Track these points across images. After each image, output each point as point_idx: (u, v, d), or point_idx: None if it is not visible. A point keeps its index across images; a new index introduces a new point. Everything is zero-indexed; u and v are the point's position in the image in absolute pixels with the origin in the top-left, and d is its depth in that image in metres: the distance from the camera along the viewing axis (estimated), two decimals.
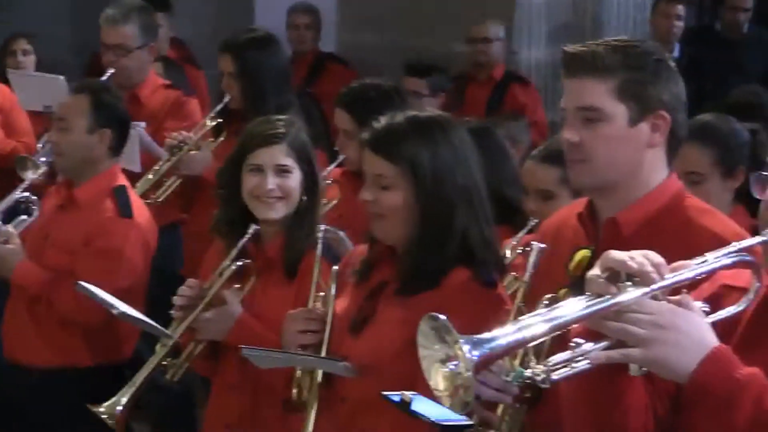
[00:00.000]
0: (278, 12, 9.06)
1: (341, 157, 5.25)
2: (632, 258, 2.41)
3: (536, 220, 4.25)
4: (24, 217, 5.37)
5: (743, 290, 2.53)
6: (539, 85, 8.90)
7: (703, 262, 2.48)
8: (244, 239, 4.23)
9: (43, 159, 5.86)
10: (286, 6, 9.20)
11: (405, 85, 6.90)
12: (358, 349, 3.66)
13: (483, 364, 2.29)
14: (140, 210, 5.15)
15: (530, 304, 3.20)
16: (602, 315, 2.39)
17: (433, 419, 3.09)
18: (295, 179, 4.26)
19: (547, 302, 3.06)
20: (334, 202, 5.13)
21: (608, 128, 3.16)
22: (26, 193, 5.53)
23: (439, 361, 2.34)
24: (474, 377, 2.27)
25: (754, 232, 2.54)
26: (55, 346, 5.07)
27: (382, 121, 3.72)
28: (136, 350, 5.17)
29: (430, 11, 9.47)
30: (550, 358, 2.41)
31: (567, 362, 2.40)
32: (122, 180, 5.23)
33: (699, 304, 2.45)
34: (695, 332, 2.39)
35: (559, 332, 2.39)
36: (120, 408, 4.23)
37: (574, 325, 2.42)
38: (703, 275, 2.49)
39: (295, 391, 3.85)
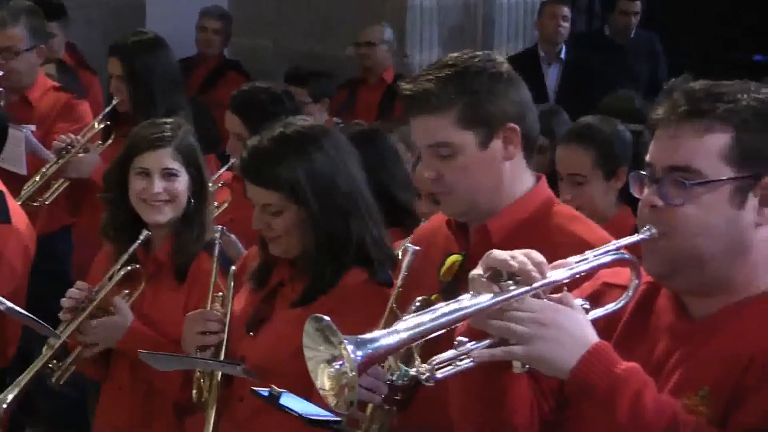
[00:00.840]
0: (169, 17, 9.02)
1: (232, 161, 5.24)
2: (514, 257, 2.44)
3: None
4: None
5: (623, 288, 2.57)
6: None
7: (583, 260, 2.51)
8: (135, 245, 4.21)
9: None
10: (177, 12, 9.18)
11: None
12: (256, 349, 3.68)
13: (367, 364, 2.30)
14: (18, 216, 5.07)
15: (403, 306, 3.23)
16: (485, 314, 2.42)
17: (300, 413, 3.12)
18: (182, 182, 4.25)
19: (418, 304, 3.10)
20: (225, 205, 5.13)
21: (462, 159, 3.16)
22: None
23: (324, 361, 2.35)
24: (358, 377, 2.28)
25: (636, 231, 2.58)
26: None
27: (249, 146, 3.71)
28: (23, 353, 5.10)
29: (322, 16, 9.49)
30: (435, 357, 2.42)
31: (451, 361, 2.42)
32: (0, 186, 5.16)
33: (580, 302, 2.49)
34: (576, 329, 2.42)
35: (443, 331, 2.40)
36: (4, 406, 4.17)
37: (458, 324, 2.44)
38: (584, 273, 2.52)
39: (194, 392, 3.86)
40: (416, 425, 3.20)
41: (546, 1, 9.21)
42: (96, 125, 5.96)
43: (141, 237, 4.21)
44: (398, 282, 3.32)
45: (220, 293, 3.89)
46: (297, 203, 3.62)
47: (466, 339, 2.43)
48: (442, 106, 3.13)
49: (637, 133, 4.79)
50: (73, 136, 5.85)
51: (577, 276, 2.51)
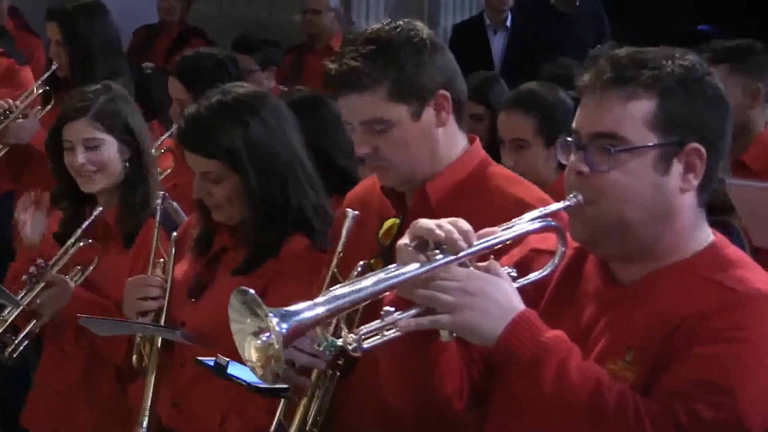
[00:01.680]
0: None
1: (174, 126, 5.21)
2: (440, 226, 2.43)
3: None
4: None
5: (552, 253, 2.58)
6: None
7: (509, 227, 2.51)
8: (87, 222, 4.21)
9: None
10: None
11: None
12: (197, 316, 3.67)
13: (292, 337, 2.30)
14: None
15: (343, 271, 3.24)
16: (412, 283, 2.42)
17: (248, 382, 3.12)
18: (108, 150, 4.23)
19: (360, 269, 3.11)
20: (168, 171, 5.10)
21: (397, 132, 3.16)
22: None
23: (251, 333, 2.35)
24: (283, 349, 2.28)
25: None
26: None
27: (187, 113, 3.69)
28: None
29: None
30: (362, 327, 2.41)
31: (378, 330, 2.41)
32: None
33: (506, 270, 2.49)
34: (502, 297, 2.43)
35: (368, 301, 2.41)
36: None
37: (385, 294, 2.44)
38: (510, 241, 2.53)
39: (135, 357, 3.86)
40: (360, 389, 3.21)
41: None
42: (35, 90, 5.91)
43: (95, 213, 4.20)
44: (339, 247, 3.32)
45: (162, 259, 3.88)
46: (236, 171, 3.60)
47: (392, 309, 2.42)
48: (371, 84, 3.12)
49: (577, 101, 4.79)
50: (11, 101, 5.79)
51: (505, 243, 2.51)
